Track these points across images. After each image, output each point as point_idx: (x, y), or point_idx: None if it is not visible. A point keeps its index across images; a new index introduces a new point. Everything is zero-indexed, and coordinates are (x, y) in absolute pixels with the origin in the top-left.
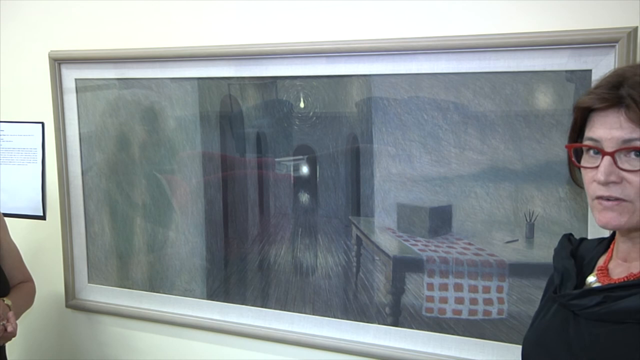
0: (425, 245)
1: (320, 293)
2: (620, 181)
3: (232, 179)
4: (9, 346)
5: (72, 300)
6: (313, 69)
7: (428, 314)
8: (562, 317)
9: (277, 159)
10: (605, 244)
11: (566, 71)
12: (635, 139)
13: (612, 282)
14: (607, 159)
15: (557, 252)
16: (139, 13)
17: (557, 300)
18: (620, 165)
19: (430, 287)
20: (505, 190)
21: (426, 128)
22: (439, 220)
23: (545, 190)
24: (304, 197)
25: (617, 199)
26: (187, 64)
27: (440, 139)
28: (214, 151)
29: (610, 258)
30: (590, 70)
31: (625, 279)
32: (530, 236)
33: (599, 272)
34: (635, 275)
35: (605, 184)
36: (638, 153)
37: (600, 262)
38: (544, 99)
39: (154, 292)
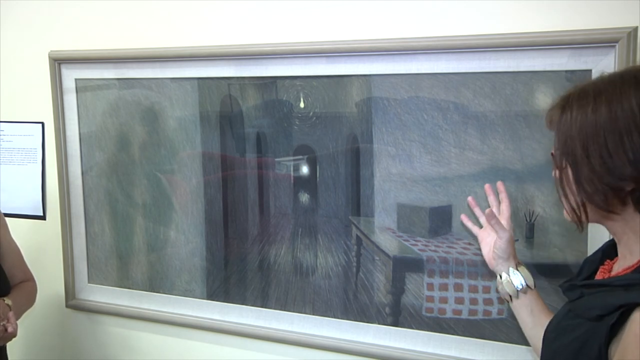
0: (425, 245)
1: (320, 293)
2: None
3: (232, 179)
4: (10, 346)
5: (72, 300)
6: (313, 69)
7: (428, 314)
8: (567, 308)
9: (277, 159)
10: None
11: (566, 71)
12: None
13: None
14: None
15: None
16: (139, 13)
17: (561, 288)
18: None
19: (430, 287)
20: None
21: (426, 128)
22: (439, 220)
23: (545, 190)
24: (304, 197)
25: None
26: (187, 64)
27: (440, 139)
28: (214, 151)
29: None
30: (590, 70)
31: (613, 276)
32: (530, 236)
33: (602, 268)
34: (619, 273)
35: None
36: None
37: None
38: (544, 99)
39: (154, 292)
